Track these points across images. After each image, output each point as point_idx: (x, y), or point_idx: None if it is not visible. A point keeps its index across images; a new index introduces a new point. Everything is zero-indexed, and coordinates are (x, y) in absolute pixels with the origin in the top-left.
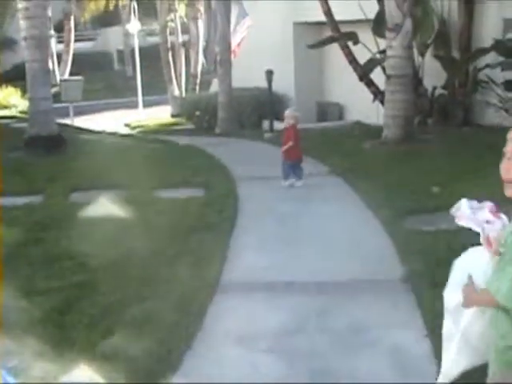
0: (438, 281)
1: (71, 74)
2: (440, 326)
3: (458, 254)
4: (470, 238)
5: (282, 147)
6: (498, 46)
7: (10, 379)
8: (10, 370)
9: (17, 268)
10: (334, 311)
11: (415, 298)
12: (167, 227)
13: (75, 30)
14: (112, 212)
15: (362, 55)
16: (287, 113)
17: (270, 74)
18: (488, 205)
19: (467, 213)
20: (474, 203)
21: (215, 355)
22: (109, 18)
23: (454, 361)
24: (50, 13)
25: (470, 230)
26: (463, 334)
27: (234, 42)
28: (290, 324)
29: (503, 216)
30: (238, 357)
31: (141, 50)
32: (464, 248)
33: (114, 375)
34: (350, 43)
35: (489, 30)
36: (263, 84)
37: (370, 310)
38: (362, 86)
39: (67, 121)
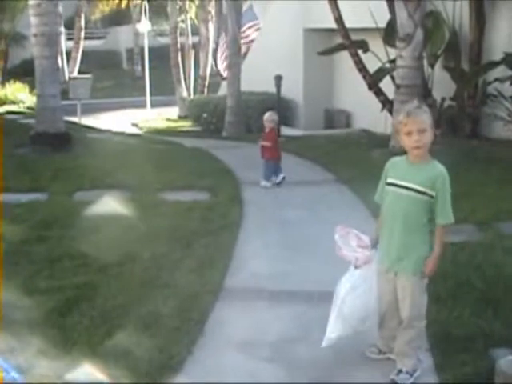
0: (440, 290)
1: (80, 71)
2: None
3: (462, 268)
4: (474, 252)
5: (265, 148)
6: (508, 59)
7: (16, 375)
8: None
9: (19, 266)
10: None
11: None
12: (171, 230)
13: (85, 28)
14: (116, 213)
15: (372, 64)
16: (267, 116)
17: (279, 79)
18: (352, 232)
19: (342, 244)
20: (340, 230)
21: (216, 362)
22: (119, 17)
23: (332, 327)
24: (60, 9)
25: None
26: (339, 307)
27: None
28: (291, 333)
29: (363, 237)
30: (239, 364)
31: (150, 49)
32: (469, 262)
33: (114, 380)
34: (359, 51)
35: (500, 43)
36: (272, 89)
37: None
38: (370, 95)
39: (75, 119)
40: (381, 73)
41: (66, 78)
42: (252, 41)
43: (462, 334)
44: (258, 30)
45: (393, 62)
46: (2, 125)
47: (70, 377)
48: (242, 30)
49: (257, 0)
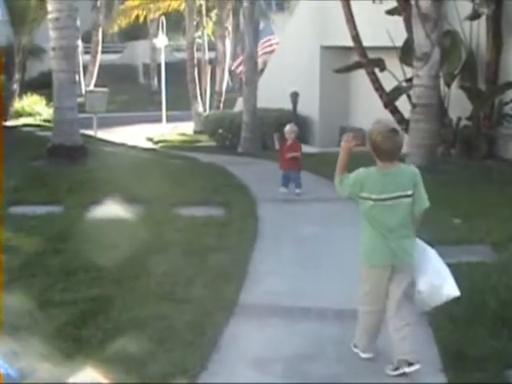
0: (454, 310)
1: (96, 85)
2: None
3: (477, 288)
4: (489, 273)
5: (285, 159)
6: None
7: (13, 373)
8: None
9: (34, 278)
10: (350, 339)
11: (431, 329)
12: (186, 246)
13: (102, 42)
14: (130, 227)
15: (389, 82)
16: (289, 128)
17: (295, 96)
18: None
19: None
20: None
21: (230, 377)
22: (136, 32)
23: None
24: (78, 23)
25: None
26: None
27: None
28: (305, 350)
29: None
30: (252, 380)
31: (167, 64)
32: (484, 282)
33: None
34: (376, 70)
35: None
36: (288, 105)
37: (386, 340)
38: (386, 113)
39: (90, 132)
40: (397, 91)
41: (83, 91)
42: (271, 51)
43: (476, 354)
44: (275, 45)
45: (409, 80)
46: (1, 136)
47: (73, 381)
48: (260, 44)
49: (274, 17)
